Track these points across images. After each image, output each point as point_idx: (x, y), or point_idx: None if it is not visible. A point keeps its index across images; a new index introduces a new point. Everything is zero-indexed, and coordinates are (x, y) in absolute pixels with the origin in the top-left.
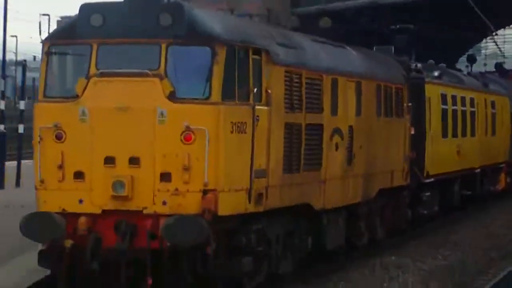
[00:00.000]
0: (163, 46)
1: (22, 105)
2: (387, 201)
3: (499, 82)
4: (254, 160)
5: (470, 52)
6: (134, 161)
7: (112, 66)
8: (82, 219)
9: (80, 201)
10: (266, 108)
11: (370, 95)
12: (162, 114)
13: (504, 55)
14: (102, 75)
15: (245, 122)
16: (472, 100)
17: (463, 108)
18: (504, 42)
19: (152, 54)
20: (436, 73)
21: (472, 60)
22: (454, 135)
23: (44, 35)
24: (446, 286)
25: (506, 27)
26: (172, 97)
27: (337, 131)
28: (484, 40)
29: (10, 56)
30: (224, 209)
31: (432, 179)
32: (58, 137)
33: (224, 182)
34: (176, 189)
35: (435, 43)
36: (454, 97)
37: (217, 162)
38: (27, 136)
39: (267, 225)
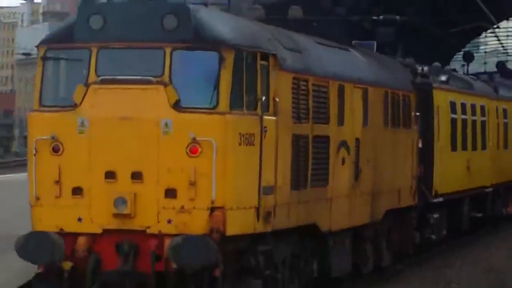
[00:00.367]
0: (168, 51)
1: None
2: (393, 222)
3: (510, 85)
4: (262, 175)
5: (467, 48)
6: (136, 176)
7: (113, 72)
8: (82, 239)
9: (79, 219)
10: (274, 118)
11: (377, 103)
12: (166, 124)
13: (507, 52)
14: (102, 82)
15: (253, 134)
16: (482, 108)
17: (474, 118)
18: (507, 36)
19: (155, 59)
20: (443, 78)
21: (469, 58)
22: (464, 148)
23: None
24: None
25: (510, 18)
26: (177, 106)
27: (343, 143)
28: (483, 35)
29: None
30: (232, 229)
31: (441, 199)
32: (55, 150)
33: (233, 199)
34: (182, 207)
35: (425, 38)
36: (463, 105)
37: (225, 176)
38: None
39: (275, 246)
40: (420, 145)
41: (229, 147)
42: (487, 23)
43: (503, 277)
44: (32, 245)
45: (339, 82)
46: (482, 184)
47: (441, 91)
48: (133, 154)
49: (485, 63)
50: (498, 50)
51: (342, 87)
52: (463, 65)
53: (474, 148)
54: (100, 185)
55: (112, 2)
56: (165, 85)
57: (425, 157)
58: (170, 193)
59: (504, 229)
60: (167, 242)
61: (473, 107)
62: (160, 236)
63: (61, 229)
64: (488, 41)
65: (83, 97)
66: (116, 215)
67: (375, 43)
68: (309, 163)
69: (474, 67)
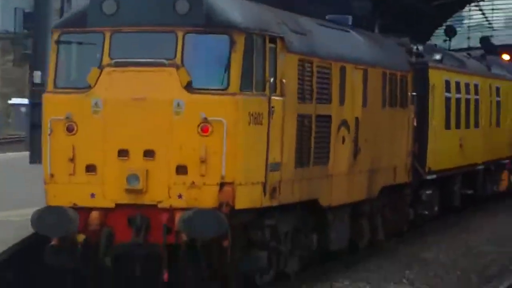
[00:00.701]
0: (180, 34)
1: None
2: (388, 199)
3: (502, 63)
4: (269, 152)
5: (449, 22)
6: (149, 153)
7: (126, 55)
8: (95, 214)
9: (92, 195)
10: (281, 98)
11: (376, 84)
12: (178, 105)
13: (492, 27)
14: (116, 65)
15: (262, 114)
16: (476, 86)
17: (467, 96)
18: (493, 10)
19: (168, 42)
20: (437, 56)
21: (451, 33)
22: (457, 126)
23: None
24: None
25: None
26: (189, 87)
27: (344, 123)
28: (467, 8)
29: None
30: (241, 203)
31: (434, 176)
32: (70, 129)
33: (241, 175)
34: (193, 182)
35: (404, 12)
36: (457, 84)
37: (235, 154)
38: None
39: (279, 220)
40: (415, 123)
41: (239, 126)
42: None
43: (482, 261)
44: (48, 219)
45: (341, 64)
46: (474, 162)
47: (437, 70)
48: (146, 133)
49: (468, 38)
50: (482, 24)
51: (344, 68)
52: (445, 41)
53: (467, 126)
54: (113, 163)
55: None
56: (177, 67)
57: (420, 135)
58: (181, 169)
59: (492, 207)
60: (178, 215)
61: (466, 85)
62: (171, 210)
63: (75, 204)
64: (472, 15)
65: (97, 79)
66: (129, 191)
67: (351, 17)
68: (312, 141)
69: (456, 42)
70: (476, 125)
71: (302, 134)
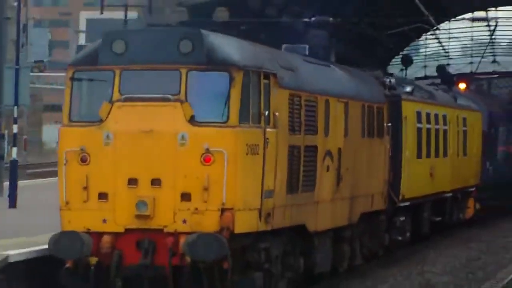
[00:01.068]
0: (183, 71)
1: None
2: (366, 225)
3: (467, 95)
4: (264, 180)
5: (406, 51)
6: (156, 182)
7: (134, 91)
8: (106, 238)
9: (104, 221)
10: (274, 130)
11: (356, 115)
12: (183, 137)
13: (448, 55)
14: (125, 100)
15: (258, 144)
16: (444, 117)
17: (437, 127)
18: (449, 38)
19: (173, 79)
20: (408, 89)
21: (407, 62)
22: (428, 155)
23: None
24: None
25: (452, 19)
26: (192, 120)
27: (328, 153)
28: (423, 37)
29: None
30: (239, 227)
31: (407, 203)
32: (83, 160)
33: (240, 202)
34: (196, 208)
35: (361, 41)
36: (428, 115)
37: (235, 182)
38: None
39: (271, 244)
40: (390, 153)
41: (238, 156)
42: (427, 25)
43: None
44: (64, 243)
45: (325, 97)
46: (443, 190)
47: (409, 102)
48: (153, 163)
49: (425, 66)
50: (439, 53)
51: (328, 101)
52: (402, 70)
53: (437, 155)
54: (123, 190)
55: (133, 29)
56: (182, 102)
57: (394, 164)
58: (185, 196)
59: (457, 235)
60: (182, 239)
61: (436, 116)
62: (176, 234)
63: (88, 229)
64: (428, 44)
65: (108, 113)
66: (137, 216)
67: (307, 46)
68: (300, 170)
69: (413, 71)
70: (445, 154)
71: (292, 164)
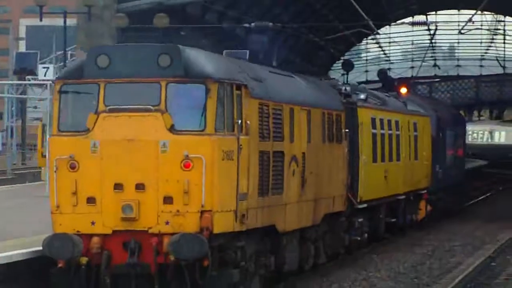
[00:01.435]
0: (163, 84)
1: None
2: (328, 226)
3: (416, 100)
4: (239, 184)
5: (348, 56)
6: (140, 186)
7: (118, 102)
8: (95, 239)
9: (93, 223)
10: (246, 137)
11: (317, 122)
12: (164, 144)
13: (389, 60)
14: (110, 111)
15: (233, 151)
16: (396, 122)
17: (390, 132)
18: (390, 43)
19: (153, 91)
20: (362, 96)
21: (348, 66)
22: (382, 159)
23: None
24: None
25: (392, 23)
26: (172, 129)
27: (294, 158)
28: (364, 41)
29: None
30: (218, 228)
31: (365, 205)
32: (72, 167)
33: (218, 204)
34: (178, 211)
35: (302, 46)
36: (381, 121)
37: (212, 186)
38: None
39: (246, 243)
40: (348, 157)
41: (215, 162)
42: (367, 29)
43: None
44: (56, 244)
45: (290, 106)
46: (396, 192)
47: (364, 109)
48: (137, 169)
49: (366, 71)
50: (380, 57)
51: (292, 110)
52: (343, 74)
53: (391, 159)
54: (110, 195)
55: (115, 45)
56: (162, 112)
57: (352, 167)
58: (168, 200)
59: (403, 239)
60: (166, 239)
61: (389, 122)
62: (160, 235)
63: (78, 231)
64: (369, 48)
65: (94, 123)
66: (124, 219)
67: (248, 52)
68: (270, 174)
69: (355, 76)
70: (398, 158)
71: (263, 168)
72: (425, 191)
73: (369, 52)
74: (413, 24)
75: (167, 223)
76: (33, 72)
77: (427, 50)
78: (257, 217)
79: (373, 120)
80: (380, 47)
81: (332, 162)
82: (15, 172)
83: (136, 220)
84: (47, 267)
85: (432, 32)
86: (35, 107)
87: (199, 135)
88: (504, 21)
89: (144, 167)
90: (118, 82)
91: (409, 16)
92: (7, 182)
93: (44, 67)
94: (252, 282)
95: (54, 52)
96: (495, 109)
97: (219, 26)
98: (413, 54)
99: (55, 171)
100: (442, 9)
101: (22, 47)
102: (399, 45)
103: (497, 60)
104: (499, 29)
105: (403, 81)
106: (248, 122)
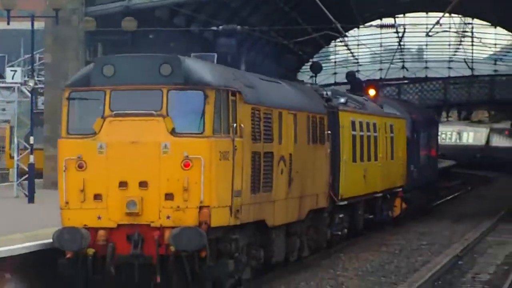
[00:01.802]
0: (164, 91)
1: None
2: (312, 221)
3: (391, 103)
4: (234, 182)
5: (317, 58)
6: (143, 184)
7: (123, 108)
8: (101, 232)
9: (99, 218)
10: (241, 139)
11: (303, 125)
12: (166, 146)
13: (358, 62)
14: (115, 115)
15: (228, 152)
16: (374, 125)
17: (368, 134)
18: (358, 46)
19: (155, 97)
20: (342, 100)
21: (316, 69)
22: (361, 159)
23: None
24: None
25: (360, 26)
26: (173, 132)
27: (282, 158)
28: (333, 43)
29: None
30: (215, 222)
31: (345, 202)
32: (80, 167)
33: (215, 200)
34: (178, 206)
35: (271, 48)
36: (360, 123)
37: (210, 184)
38: None
39: (239, 236)
40: (330, 157)
41: (213, 162)
42: (335, 32)
43: None
44: (66, 237)
45: (278, 110)
46: (374, 190)
47: (344, 112)
48: (140, 168)
49: (335, 73)
50: (348, 59)
51: (281, 113)
52: (312, 77)
53: (369, 159)
54: (115, 192)
55: (120, 55)
56: (164, 116)
57: (334, 167)
58: (169, 196)
59: (371, 238)
60: (167, 232)
61: (367, 124)
62: (161, 228)
63: (85, 225)
64: (338, 51)
65: (101, 127)
66: (128, 214)
67: (216, 55)
68: (261, 173)
69: (323, 78)
70: (376, 158)
71: (255, 168)
72: (401, 189)
73: (338, 54)
74: (381, 26)
75: (168, 217)
76: (1, 75)
77: (396, 52)
78: (249, 212)
79: (353, 123)
80: (348, 49)
81: (316, 162)
82: None
83: (140, 215)
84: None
85: (400, 34)
86: (3, 110)
87: (198, 138)
88: (472, 23)
89: (147, 166)
90: (122, 89)
91: (377, 19)
92: None
93: (12, 70)
94: (244, 272)
95: (22, 56)
96: (463, 110)
97: (187, 29)
98: (381, 56)
99: (64, 171)
100: (410, 12)
101: None
102: (368, 47)
103: (465, 62)
104: (467, 32)
105: (372, 83)
106: (242, 125)
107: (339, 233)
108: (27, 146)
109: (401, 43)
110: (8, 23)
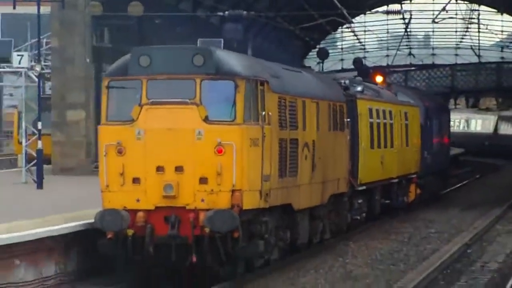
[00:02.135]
0: (198, 80)
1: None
2: (333, 205)
3: (404, 91)
4: (263, 167)
5: (323, 45)
6: (179, 169)
7: (159, 96)
8: (140, 214)
9: (138, 200)
10: (269, 127)
11: (324, 113)
12: (199, 133)
13: (364, 48)
14: (152, 103)
15: (258, 138)
16: (390, 112)
17: (385, 121)
18: (365, 32)
19: (189, 87)
20: (359, 88)
21: (323, 55)
22: (379, 146)
23: None
24: None
25: (367, 12)
26: (206, 120)
27: (306, 144)
28: (340, 30)
29: None
30: (246, 205)
31: (364, 187)
32: (120, 152)
33: (247, 184)
34: (212, 190)
35: (276, 34)
36: (377, 111)
37: (242, 168)
38: None
39: (268, 219)
40: (349, 144)
41: (244, 148)
42: (342, 18)
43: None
44: (108, 218)
45: (302, 99)
46: (390, 176)
47: (362, 100)
48: (176, 154)
49: (342, 59)
50: (355, 46)
51: (304, 102)
52: (318, 63)
53: (386, 146)
54: (153, 176)
55: (155, 47)
56: (197, 105)
57: (353, 153)
58: (203, 180)
59: (380, 226)
60: (202, 215)
61: (384, 112)
62: (196, 211)
63: (125, 207)
64: (345, 37)
65: (139, 114)
66: (165, 197)
67: (222, 40)
68: (287, 159)
69: (330, 64)
70: (392, 145)
71: (281, 154)
72: (415, 175)
73: (345, 40)
74: (387, 12)
75: (202, 200)
76: (8, 60)
77: (402, 38)
78: (277, 196)
79: (370, 110)
80: (355, 35)
81: (337, 148)
82: None
83: (176, 197)
84: None
85: (406, 21)
86: (11, 95)
87: (230, 125)
88: (478, 10)
89: (182, 152)
90: (158, 79)
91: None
92: None
93: (18, 55)
94: (273, 252)
95: (29, 40)
96: (470, 97)
97: (193, 14)
98: (388, 43)
99: (105, 155)
100: None
101: None
102: (374, 33)
103: (472, 49)
104: (474, 18)
105: (378, 69)
106: (270, 113)
107: (358, 217)
108: (35, 131)
109: (408, 29)
110: (14, 7)
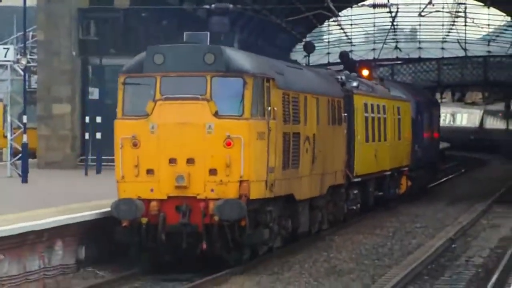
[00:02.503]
0: (208, 77)
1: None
2: (331, 196)
3: (397, 86)
4: (269, 159)
5: (310, 38)
6: (190, 161)
7: (171, 92)
8: (153, 203)
9: (151, 190)
10: (274, 121)
11: (324, 108)
12: (210, 127)
13: (351, 42)
14: (165, 99)
15: (264, 132)
16: (383, 107)
17: (378, 115)
18: (351, 25)
19: (200, 83)
20: (355, 83)
21: (310, 48)
22: (373, 140)
23: None
24: None
25: (353, 5)
26: (216, 114)
27: (307, 138)
28: (326, 23)
29: None
30: (253, 195)
31: (359, 179)
32: (135, 145)
33: (254, 175)
34: (221, 180)
35: (264, 28)
36: (372, 106)
37: (249, 160)
38: None
39: (273, 208)
40: (346, 137)
41: (251, 141)
42: (328, 11)
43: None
44: (123, 207)
45: (304, 94)
46: (383, 169)
47: (358, 95)
48: (188, 147)
49: (328, 53)
50: (342, 39)
51: (306, 97)
52: (305, 56)
53: (379, 140)
54: (165, 167)
55: (169, 45)
56: (208, 100)
57: (349, 146)
58: (213, 171)
59: (364, 221)
60: (212, 204)
61: (378, 107)
62: (206, 200)
63: (139, 197)
64: (331, 30)
65: (153, 109)
66: (177, 187)
67: (208, 34)
68: (290, 152)
69: (317, 58)
70: (385, 138)
71: (285, 147)
72: (406, 168)
73: (331, 34)
74: (374, 6)
75: (212, 190)
76: None
77: (389, 32)
78: (281, 186)
79: (365, 105)
80: (342, 29)
81: (335, 142)
82: None
83: (187, 188)
84: None
85: (393, 14)
86: None
87: (238, 119)
88: (465, 3)
89: (193, 145)
90: (171, 76)
91: None
92: None
93: (4, 48)
94: (276, 240)
95: (14, 33)
96: (457, 91)
97: (180, 7)
98: (374, 37)
99: (121, 148)
100: None
101: None
102: (361, 27)
103: (458, 42)
104: (460, 12)
105: (365, 63)
106: (275, 108)
107: (354, 208)
108: (20, 125)
109: (394, 23)
110: (0, 0)
